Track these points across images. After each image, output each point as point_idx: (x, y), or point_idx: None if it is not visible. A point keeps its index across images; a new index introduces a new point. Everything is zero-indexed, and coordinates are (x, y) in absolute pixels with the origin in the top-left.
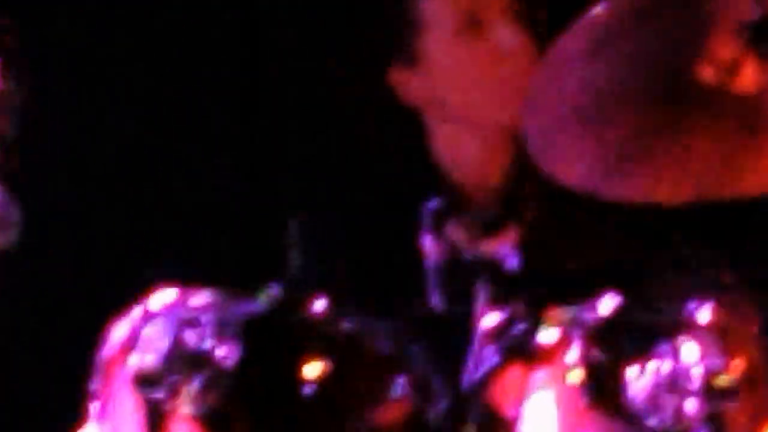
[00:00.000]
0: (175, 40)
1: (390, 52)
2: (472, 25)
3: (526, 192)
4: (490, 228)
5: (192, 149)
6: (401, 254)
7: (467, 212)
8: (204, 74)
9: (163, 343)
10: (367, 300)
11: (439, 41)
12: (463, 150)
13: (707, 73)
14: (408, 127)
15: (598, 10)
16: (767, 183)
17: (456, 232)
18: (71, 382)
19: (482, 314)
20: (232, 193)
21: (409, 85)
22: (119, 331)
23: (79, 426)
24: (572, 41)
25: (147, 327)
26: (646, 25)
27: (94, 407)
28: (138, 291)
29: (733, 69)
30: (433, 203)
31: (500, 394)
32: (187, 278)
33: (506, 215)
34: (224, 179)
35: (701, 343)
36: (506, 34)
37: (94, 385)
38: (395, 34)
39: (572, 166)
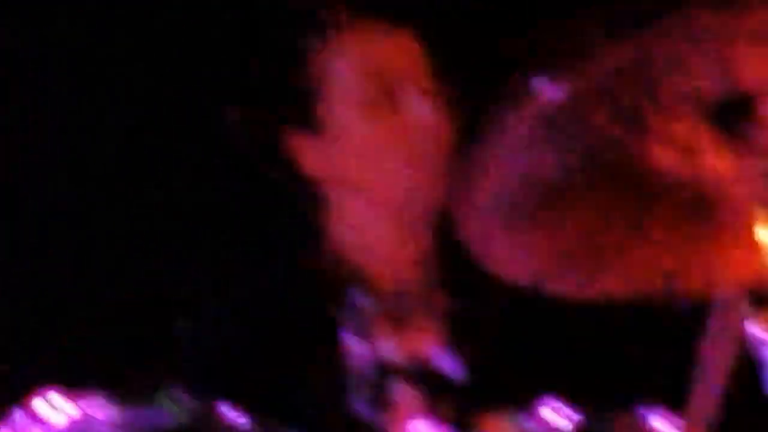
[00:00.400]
0: None
1: (289, 116)
2: (384, 94)
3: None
4: (403, 323)
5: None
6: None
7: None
8: None
9: None
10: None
11: (345, 109)
12: (370, 234)
13: (666, 159)
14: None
15: (549, 92)
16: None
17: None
18: None
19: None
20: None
21: (310, 154)
22: None
23: None
24: (516, 127)
25: None
26: (601, 107)
27: None
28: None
29: (694, 153)
30: (359, 298)
31: None
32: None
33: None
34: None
35: None
36: (421, 109)
37: None
38: (294, 96)
39: (517, 264)
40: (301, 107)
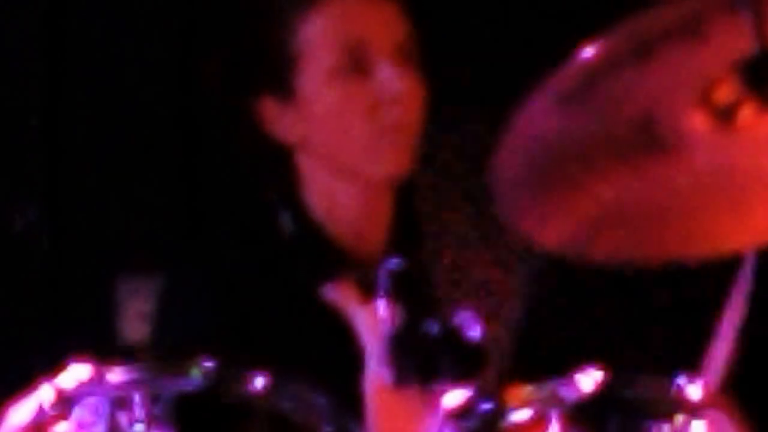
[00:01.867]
0: None
1: (261, 82)
2: (355, 63)
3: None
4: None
5: None
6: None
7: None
8: None
9: (99, 429)
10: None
11: (316, 77)
12: (339, 201)
13: (698, 119)
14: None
15: (588, 50)
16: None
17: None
18: None
19: (443, 392)
20: None
21: (281, 122)
22: (20, 413)
23: None
24: (553, 86)
25: (76, 408)
26: (639, 67)
27: None
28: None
29: (730, 113)
30: (391, 261)
31: None
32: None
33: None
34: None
35: (711, 422)
36: (392, 77)
37: None
38: (269, 64)
39: (550, 227)
40: (273, 75)
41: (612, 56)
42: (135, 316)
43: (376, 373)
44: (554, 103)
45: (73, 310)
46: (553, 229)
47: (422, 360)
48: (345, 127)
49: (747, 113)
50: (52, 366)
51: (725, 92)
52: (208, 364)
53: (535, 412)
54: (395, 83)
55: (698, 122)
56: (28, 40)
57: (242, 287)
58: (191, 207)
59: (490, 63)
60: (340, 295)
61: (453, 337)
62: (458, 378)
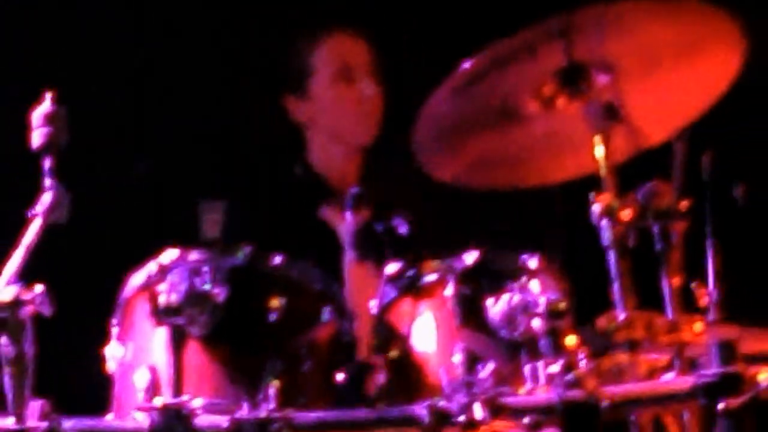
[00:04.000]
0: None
1: (287, 85)
2: (345, 75)
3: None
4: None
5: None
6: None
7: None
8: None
9: (183, 286)
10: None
11: (322, 82)
12: (331, 158)
13: (533, 104)
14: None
15: (466, 64)
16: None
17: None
18: (100, 318)
19: (386, 264)
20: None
21: (298, 110)
22: (137, 278)
23: (105, 344)
24: (448, 83)
25: (170, 275)
26: (494, 74)
27: (115, 331)
28: (148, 251)
29: (551, 101)
30: (354, 190)
31: (397, 318)
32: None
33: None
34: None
35: (542, 281)
36: (367, 84)
37: (117, 317)
38: (292, 74)
39: (448, 168)
40: (294, 81)
41: (481, 66)
42: (209, 223)
43: (348, 256)
44: (450, 93)
45: (173, 219)
46: (449, 168)
47: (373, 247)
48: (339, 114)
49: (561, 102)
50: (158, 250)
51: (549, 89)
52: (248, 249)
53: (439, 276)
54: (370, 88)
55: (534, 106)
56: None
57: (272, 208)
58: (245, 161)
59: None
60: (329, 213)
61: (391, 233)
62: (394, 257)
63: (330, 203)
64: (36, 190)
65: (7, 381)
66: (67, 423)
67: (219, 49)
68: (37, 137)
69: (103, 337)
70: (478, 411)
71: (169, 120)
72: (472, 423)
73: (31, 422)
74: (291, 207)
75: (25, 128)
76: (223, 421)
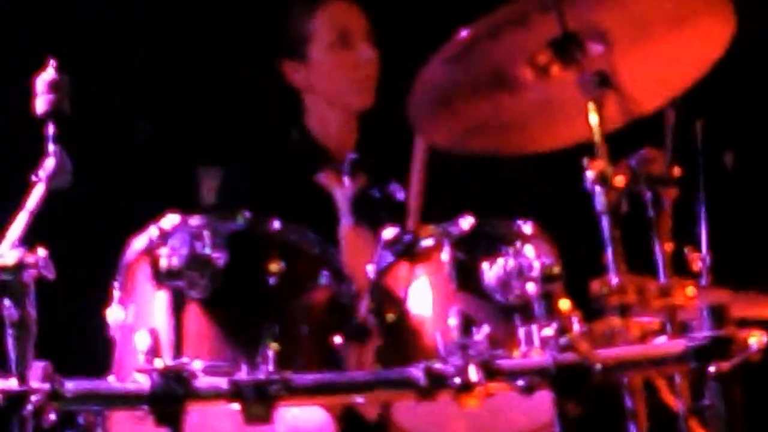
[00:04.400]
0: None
1: (285, 51)
2: (343, 40)
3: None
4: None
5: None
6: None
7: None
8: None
9: (184, 251)
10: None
11: (320, 48)
12: (329, 123)
13: (527, 72)
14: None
15: (462, 33)
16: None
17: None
18: (101, 280)
19: (383, 228)
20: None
21: (297, 74)
22: (139, 242)
23: (106, 306)
24: (443, 52)
25: (170, 239)
26: (489, 42)
27: (117, 295)
28: (148, 216)
29: (545, 70)
30: (351, 156)
31: (394, 282)
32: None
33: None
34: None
35: (536, 246)
36: (364, 49)
37: (118, 280)
38: (291, 40)
39: (443, 133)
40: (293, 46)
41: (477, 35)
42: (208, 188)
43: (345, 221)
44: (444, 62)
45: (172, 185)
46: (444, 135)
47: (370, 212)
48: (337, 78)
49: (555, 70)
50: (158, 214)
51: (543, 58)
52: (247, 214)
53: (435, 241)
54: (367, 52)
55: (528, 74)
56: None
57: (269, 173)
58: (243, 127)
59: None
60: (326, 178)
61: (388, 198)
62: (391, 222)
63: (327, 168)
64: (39, 155)
65: (10, 343)
66: (69, 384)
67: (218, 16)
68: (40, 104)
69: (105, 301)
70: (473, 373)
71: (168, 87)
72: (467, 385)
73: (34, 383)
74: (288, 172)
75: (28, 94)
76: (222, 382)
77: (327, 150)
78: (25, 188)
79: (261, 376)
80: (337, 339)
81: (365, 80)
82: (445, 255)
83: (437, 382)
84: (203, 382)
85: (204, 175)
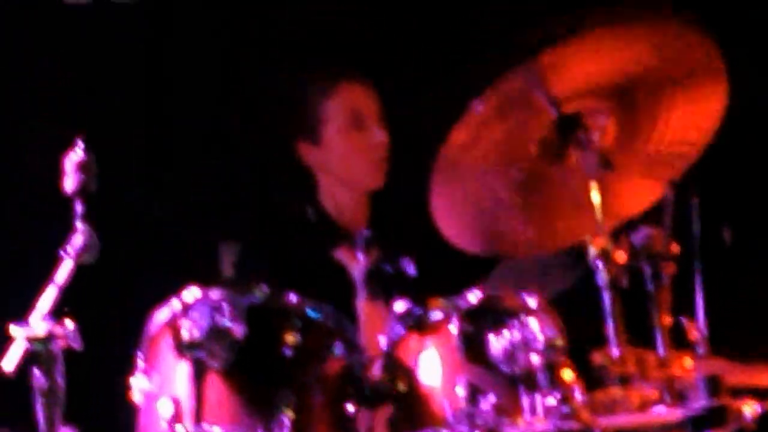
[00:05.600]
0: None
1: (300, 132)
2: (356, 122)
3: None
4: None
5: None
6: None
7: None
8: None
9: (204, 323)
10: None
11: (334, 130)
12: (341, 200)
13: (534, 150)
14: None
15: (477, 106)
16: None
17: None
18: (126, 351)
19: (393, 303)
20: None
21: (311, 155)
22: (161, 315)
23: (131, 375)
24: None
25: (192, 312)
26: (504, 119)
27: (141, 364)
28: (169, 291)
29: (551, 147)
30: (365, 232)
31: (405, 353)
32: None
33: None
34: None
35: (540, 319)
36: (376, 131)
37: (142, 350)
38: (305, 121)
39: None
40: (307, 128)
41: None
42: (227, 262)
43: (360, 295)
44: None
45: (193, 259)
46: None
47: (383, 286)
48: (350, 160)
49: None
50: (180, 288)
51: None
52: (265, 288)
53: (444, 314)
54: (379, 135)
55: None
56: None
57: (287, 249)
58: (260, 202)
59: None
60: (342, 253)
61: (399, 273)
62: (403, 295)
63: (342, 244)
64: (66, 230)
65: (40, 410)
66: None
67: (236, 95)
68: (69, 183)
69: (129, 369)
70: None
71: (188, 164)
72: None
73: None
74: (305, 247)
75: (54, 169)
76: None
77: (341, 226)
78: (54, 263)
79: None
80: (350, 407)
81: (377, 162)
82: (454, 327)
83: None
84: None
85: (223, 250)
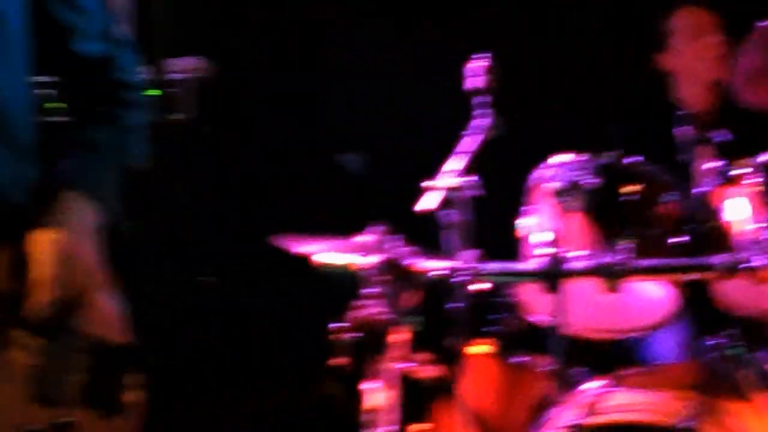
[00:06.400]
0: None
1: (658, 46)
2: (695, 32)
3: None
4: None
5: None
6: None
7: None
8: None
9: (568, 177)
10: None
11: (680, 40)
12: (693, 94)
13: None
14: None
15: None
16: None
17: None
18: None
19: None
20: None
21: (666, 62)
22: (538, 174)
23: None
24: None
25: (559, 170)
26: None
27: (523, 209)
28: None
29: None
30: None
31: (716, 200)
32: None
33: None
34: None
35: None
36: (711, 37)
37: (525, 200)
38: (660, 37)
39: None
40: (662, 41)
41: None
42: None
43: (694, 159)
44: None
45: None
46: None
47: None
48: (694, 60)
49: None
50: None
51: None
52: (613, 153)
53: (748, 170)
54: (713, 39)
55: None
56: None
57: (642, 128)
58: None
59: None
60: (683, 135)
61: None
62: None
63: (686, 125)
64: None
65: (449, 240)
66: (488, 266)
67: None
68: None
69: (516, 212)
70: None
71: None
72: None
73: (460, 263)
74: (658, 126)
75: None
76: (586, 264)
77: (692, 114)
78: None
79: (609, 260)
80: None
81: (714, 59)
82: (756, 179)
83: (734, 267)
84: (575, 264)
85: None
